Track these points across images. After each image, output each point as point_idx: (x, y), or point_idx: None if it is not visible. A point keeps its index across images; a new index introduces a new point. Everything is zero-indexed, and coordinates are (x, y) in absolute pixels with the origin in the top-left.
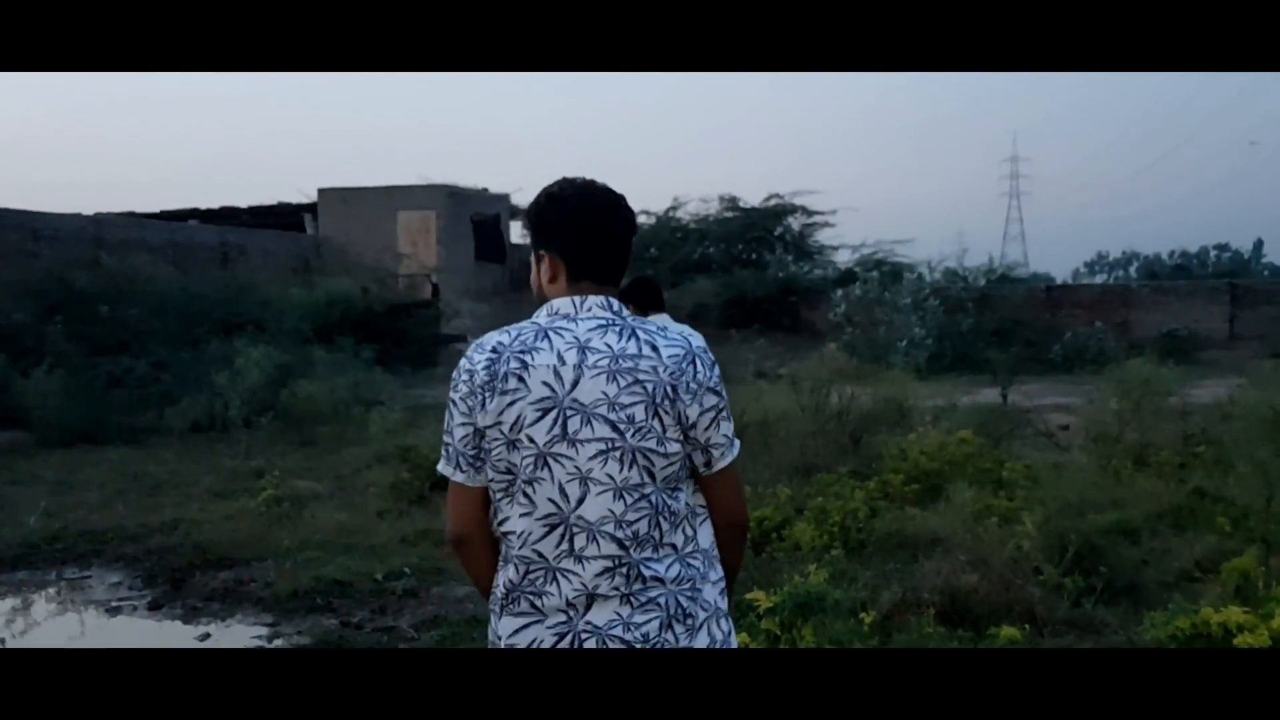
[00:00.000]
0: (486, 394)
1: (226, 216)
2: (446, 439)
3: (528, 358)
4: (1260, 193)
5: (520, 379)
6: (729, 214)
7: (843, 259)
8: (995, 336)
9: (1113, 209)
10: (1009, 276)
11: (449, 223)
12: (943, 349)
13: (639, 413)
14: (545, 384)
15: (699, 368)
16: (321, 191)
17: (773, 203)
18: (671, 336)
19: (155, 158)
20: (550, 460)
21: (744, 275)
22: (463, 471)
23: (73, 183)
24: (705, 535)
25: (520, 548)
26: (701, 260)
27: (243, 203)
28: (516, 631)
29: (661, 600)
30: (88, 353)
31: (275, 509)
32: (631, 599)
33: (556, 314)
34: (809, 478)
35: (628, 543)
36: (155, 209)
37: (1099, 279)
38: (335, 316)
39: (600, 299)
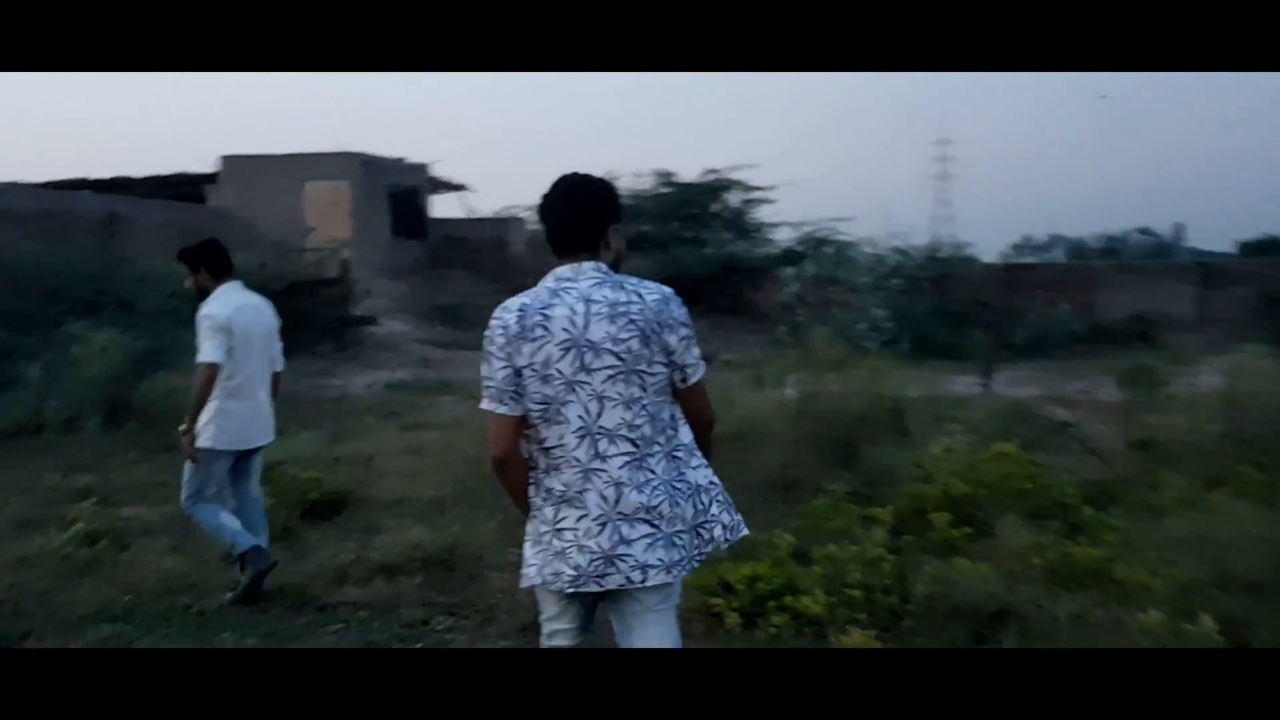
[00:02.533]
0: (521, 341)
1: (120, 187)
2: (488, 382)
3: (548, 311)
4: (1180, 177)
5: (545, 328)
6: (664, 190)
7: (783, 237)
8: (954, 319)
9: (1032, 191)
10: (960, 256)
11: (363, 194)
12: (901, 332)
13: (635, 344)
14: (564, 330)
15: (673, 308)
16: (225, 159)
17: (710, 178)
18: (650, 286)
19: (51, 127)
20: (576, 386)
21: (682, 253)
22: (504, 405)
23: None
24: (685, 434)
25: (562, 456)
26: (636, 239)
27: (140, 172)
28: (579, 519)
29: (661, 487)
30: None
31: (83, 550)
32: (643, 488)
33: (560, 278)
34: (792, 498)
35: (639, 442)
36: (43, 179)
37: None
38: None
39: (591, 264)
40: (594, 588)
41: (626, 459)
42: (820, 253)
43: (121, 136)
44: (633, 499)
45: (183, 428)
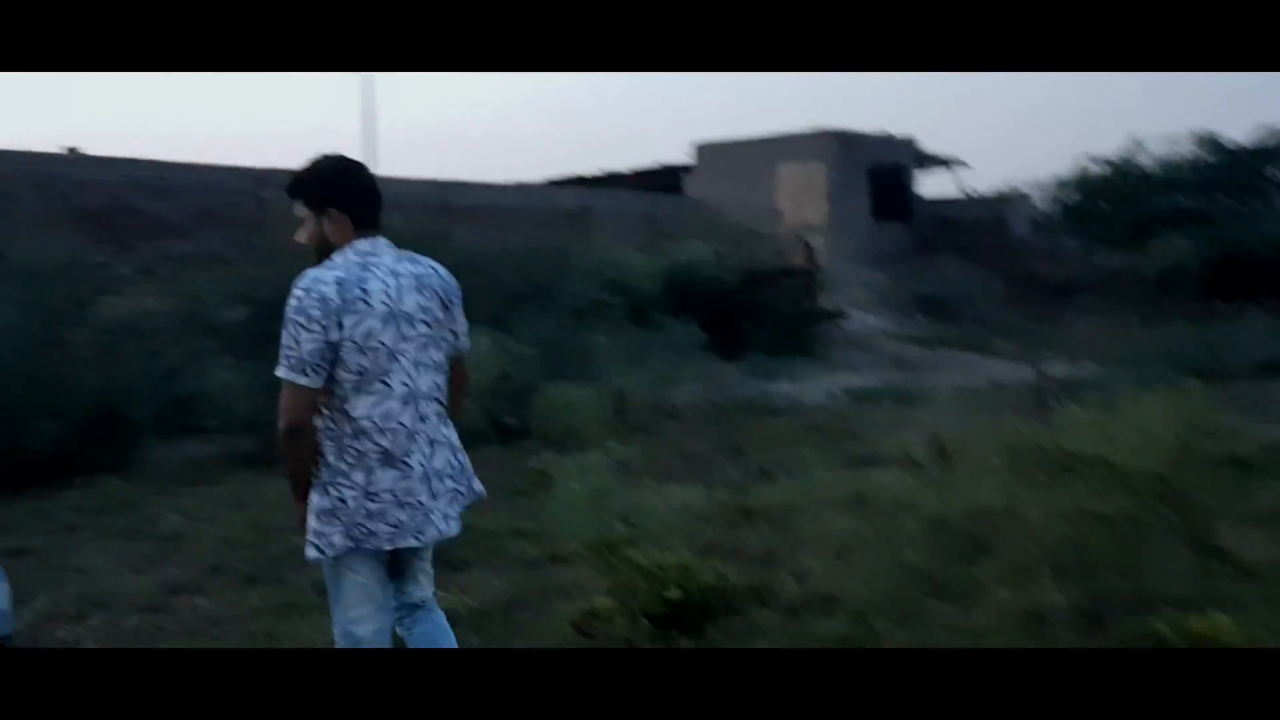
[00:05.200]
0: (341, 314)
1: (604, 182)
2: (289, 352)
3: (365, 285)
4: None
5: (365, 301)
6: (1206, 156)
7: None
8: None
9: None
10: None
11: (840, 175)
12: None
13: (438, 312)
14: (383, 302)
15: (455, 282)
16: (699, 148)
17: (1270, 140)
18: (431, 260)
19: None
20: (397, 355)
21: (1232, 230)
22: (307, 376)
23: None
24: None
25: (383, 423)
26: (1172, 214)
27: (624, 167)
28: (399, 481)
29: (451, 445)
30: None
31: None
32: (448, 447)
33: (364, 253)
34: None
35: (443, 401)
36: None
37: None
38: (656, 289)
39: (383, 240)
40: (412, 542)
41: (437, 419)
42: None
43: (613, 134)
44: (442, 455)
45: None
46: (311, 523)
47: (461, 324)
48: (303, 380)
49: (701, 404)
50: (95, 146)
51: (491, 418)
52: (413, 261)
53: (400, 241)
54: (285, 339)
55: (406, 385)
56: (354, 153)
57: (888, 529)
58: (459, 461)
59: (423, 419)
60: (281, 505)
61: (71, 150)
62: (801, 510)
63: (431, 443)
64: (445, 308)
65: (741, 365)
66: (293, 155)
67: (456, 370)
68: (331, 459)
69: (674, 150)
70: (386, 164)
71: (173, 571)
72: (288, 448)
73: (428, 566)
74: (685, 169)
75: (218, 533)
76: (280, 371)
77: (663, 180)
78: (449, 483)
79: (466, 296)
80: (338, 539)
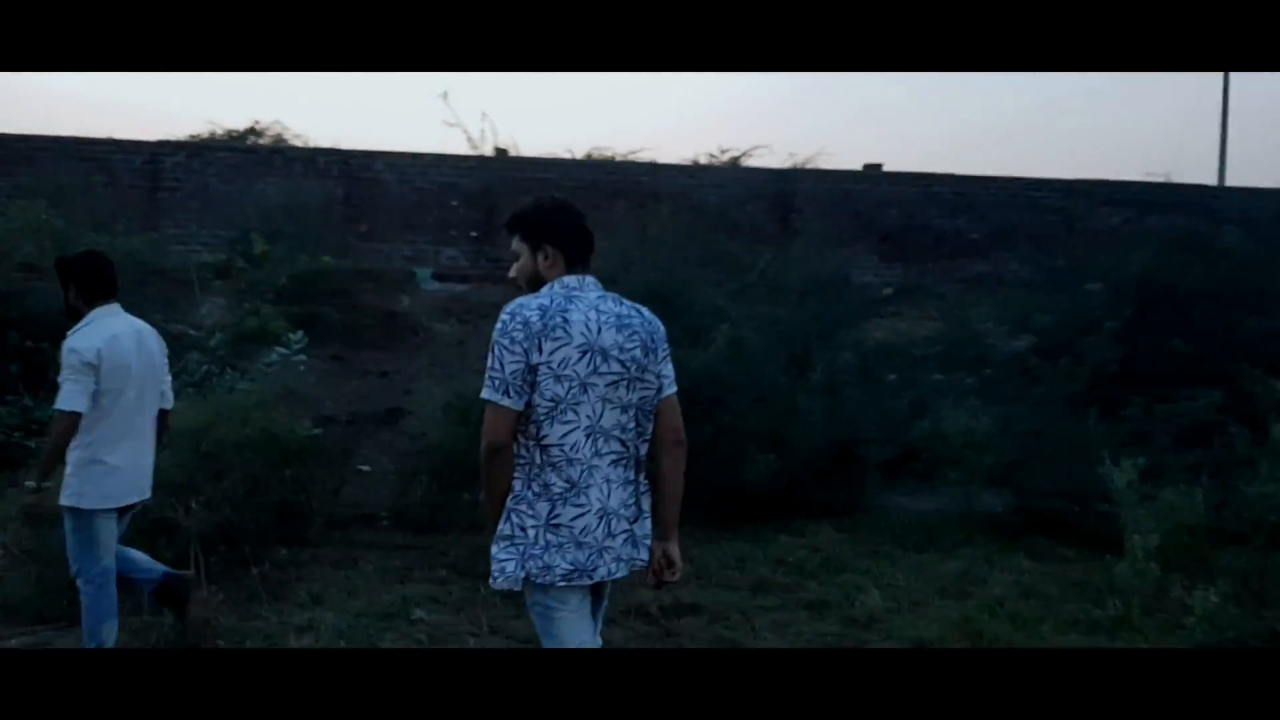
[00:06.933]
0: (541, 339)
1: None
2: (494, 374)
3: (567, 315)
4: None
5: (565, 330)
6: None
7: None
8: None
9: None
10: None
11: None
12: None
13: (638, 353)
14: (582, 333)
15: (661, 326)
16: None
17: None
18: (637, 305)
19: None
20: (588, 387)
21: None
22: (510, 398)
23: None
24: (645, 449)
25: (572, 453)
26: None
27: None
28: (576, 518)
29: (635, 487)
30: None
31: None
32: (625, 486)
33: (570, 288)
34: None
35: (627, 443)
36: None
37: None
38: None
39: (591, 278)
40: (585, 581)
41: (615, 458)
42: None
43: None
44: (619, 495)
45: None
46: (493, 549)
47: (666, 367)
48: (505, 402)
49: None
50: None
51: None
52: (617, 302)
53: None
54: (490, 361)
55: (590, 419)
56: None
57: None
58: (640, 509)
59: (599, 454)
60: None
61: (870, 167)
62: None
63: (608, 480)
64: (647, 351)
65: None
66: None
67: (665, 417)
68: (519, 487)
69: None
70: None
71: None
72: (487, 469)
73: (604, 604)
74: None
75: (920, 623)
76: (484, 393)
77: None
78: (624, 524)
79: None
80: (510, 567)
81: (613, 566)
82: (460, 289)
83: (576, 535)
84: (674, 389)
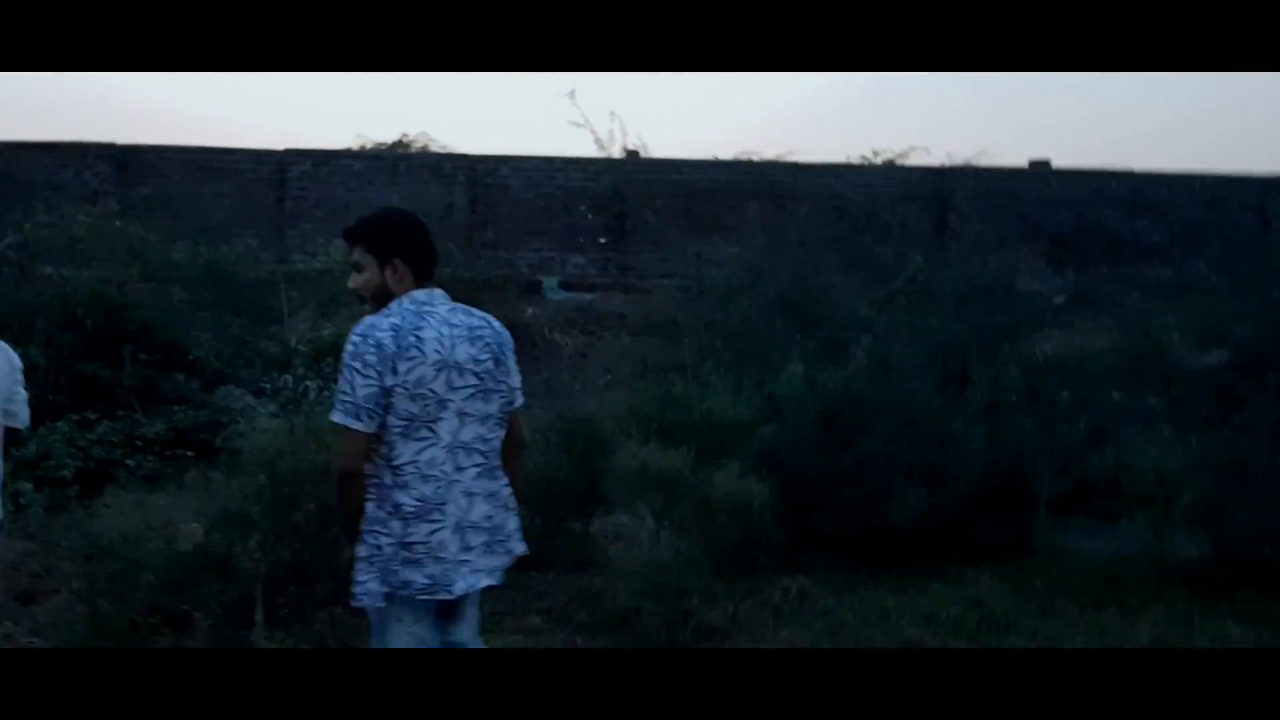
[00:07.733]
0: (396, 360)
1: None
2: (345, 397)
3: (420, 333)
4: None
5: (419, 349)
6: None
7: None
8: None
9: None
10: None
11: None
12: None
13: (490, 365)
14: (436, 350)
15: (509, 337)
16: None
17: None
18: (486, 314)
19: None
20: (446, 403)
21: None
22: (361, 421)
23: None
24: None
25: (427, 470)
26: None
27: None
28: (432, 533)
29: (495, 498)
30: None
31: None
32: (487, 498)
33: (420, 303)
34: None
35: (488, 454)
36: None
37: None
38: None
39: (439, 291)
40: (445, 595)
41: (478, 470)
42: None
43: None
44: (480, 508)
45: None
46: (354, 570)
47: (515, 378)
48: (356, 425)
49: None
50: (1066, 158)
51: None
52: (466, 313)
53: None
54: (341, 383)
55: (451, 434)
56: None
57: None
58: (500, 517)
59: (461, 469)
60: None
61: (1037, 164)
62: None
63: (469, 494)
64: (497, 361)
65: None
66: None
67: (514, 425)
68: (371, 508)
69: None
70: None
71: None
72: (340, 494)
73: (475, 611)
74: None
75: None
76: (334, 417)
77: None
78: (484, 536)
79: None
80: (373, 585)
81: (472, 580)
82: (588, 298)
83: (433, 551)
84: (522, 400)
